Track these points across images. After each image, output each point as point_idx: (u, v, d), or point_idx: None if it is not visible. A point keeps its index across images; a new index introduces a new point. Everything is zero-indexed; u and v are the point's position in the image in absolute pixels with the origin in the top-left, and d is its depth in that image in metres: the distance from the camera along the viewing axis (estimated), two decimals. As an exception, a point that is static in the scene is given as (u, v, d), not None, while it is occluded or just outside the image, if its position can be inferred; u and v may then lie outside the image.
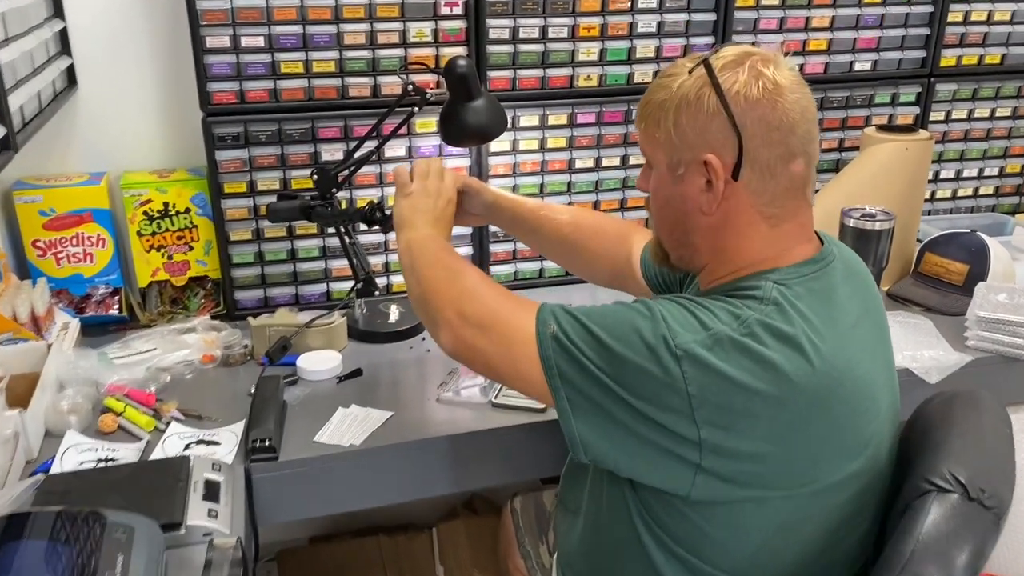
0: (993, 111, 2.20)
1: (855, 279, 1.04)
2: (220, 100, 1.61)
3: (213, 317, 1.70)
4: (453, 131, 1.49)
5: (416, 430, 1.35)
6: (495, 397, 1.45)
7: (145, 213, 1.70)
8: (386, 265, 1.83)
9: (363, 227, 1.60)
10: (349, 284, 1.71)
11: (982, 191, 2.29)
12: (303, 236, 1.74)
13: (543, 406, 1.36)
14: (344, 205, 1.61)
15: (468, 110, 1.46)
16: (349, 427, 1.37)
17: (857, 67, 1.93)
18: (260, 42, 1.60)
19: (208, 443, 1.33)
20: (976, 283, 1.85)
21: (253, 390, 1.43)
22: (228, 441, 1.34)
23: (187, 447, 1.32)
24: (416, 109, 1.49)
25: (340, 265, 1.78)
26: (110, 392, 1.45)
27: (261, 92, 1.62)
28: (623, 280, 1.39)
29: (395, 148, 1.66)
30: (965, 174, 2.26)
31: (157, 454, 1.31)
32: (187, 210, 1.71)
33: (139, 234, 1.70)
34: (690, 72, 0.98)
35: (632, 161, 1.90)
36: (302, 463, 1.28)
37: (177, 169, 1.77)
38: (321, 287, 1.78)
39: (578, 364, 0.93)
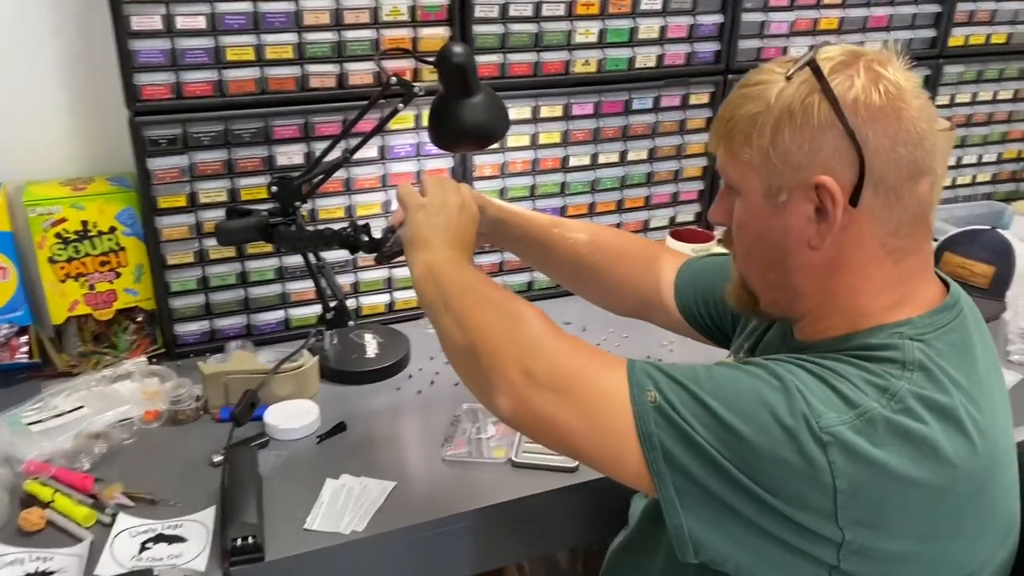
0: (996, 93, 2.14)
1: (981, 325, 0.96)
2: (151, 95, 1.43)
3: (149, 358, 1.54)
4: (447, 133, 1.36)
5: (427, 505, 1.22)
6: (515, 455, 1.33)
7: (58, 235, 1.47)
8: (355, 286, 1.69)
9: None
10: (311, 310, 1.62)
11: (980, 178, 2.24)
12: (255, 256, 1.59)
13: (574, 464, 1.28)
14: (306, 216, 1.49)
15: (465, 108, 1.33)
16: (345, 506, 1.22)
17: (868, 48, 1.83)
18: (200, 23, 1.42)
19: (171, 539, 1.14)
20: (1002, 286, 1.78)
21: (216, 459, 1.29)
22: (196, 536, 1.15)
23: (144, 547, 1.12)
24: (401, 106, 1.35)
25: (300, 288, 1.63)
26: (30, 473, 1.24)
27: (203, 84, 1.45)
28: (649, 310, 1.31)
29: (364, 149, 1.48)
30: (965, 161, 2.20)
31: (106, 563, 1.09)
32: (111, 229, 1.51)
33: (51, 260, 1.48)
34: (788, 77, 0.88)
35: (631, 156, 1.82)
36: (296, 561, 1.13)
37: (96, 179, 1.55)
38: (277, 315, 1.63)
39: (691, 445, 0.83)
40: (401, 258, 1.28)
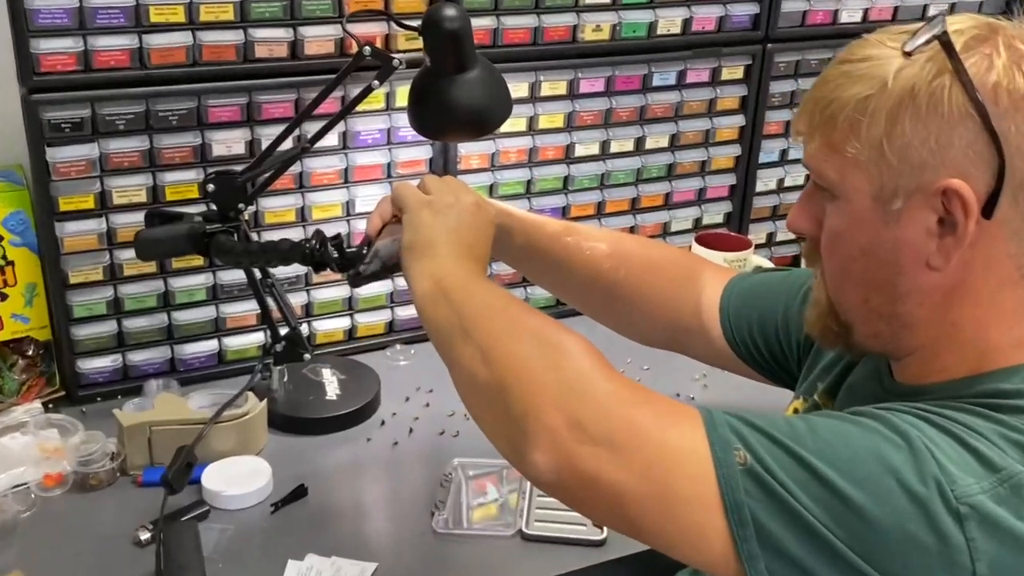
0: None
1: None
2: (52, 66, 1.40)
3: (46, 404, 1.51)
4: (433, 117, 1.36)
5: None
6: (527, 525, 1.32)
7: (-75, 246, 1.44)
8: (307, 307, 1.68)
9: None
10: (252, 339, 1.62)
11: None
12: (182, 271, 1.58)
13: (601, 535, 1.29)
14: (247, 220, 1.47)
15: (458, 86, 1.33)
16: None
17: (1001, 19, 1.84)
18: (116, -27, 1.40)
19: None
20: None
21: (144, 537, 1.27)
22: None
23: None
24: (376, 83, 1.34)
25: (239, 311, 1.62)
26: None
27: (118, 53, 1.42)
28: (686, 339, 1.31)
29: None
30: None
31: None
32: (-3, 238, 1.47)
33: (-84, 279, 1.44)
34: (907, 53, 0.87)
35: (650, 144, 1.82)
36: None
37: (-27, 173, 1.54)
38: (210, 346, 1.62)
39: (792, 519, 0.81)
40: (379, 282, 1.27)
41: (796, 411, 1.10)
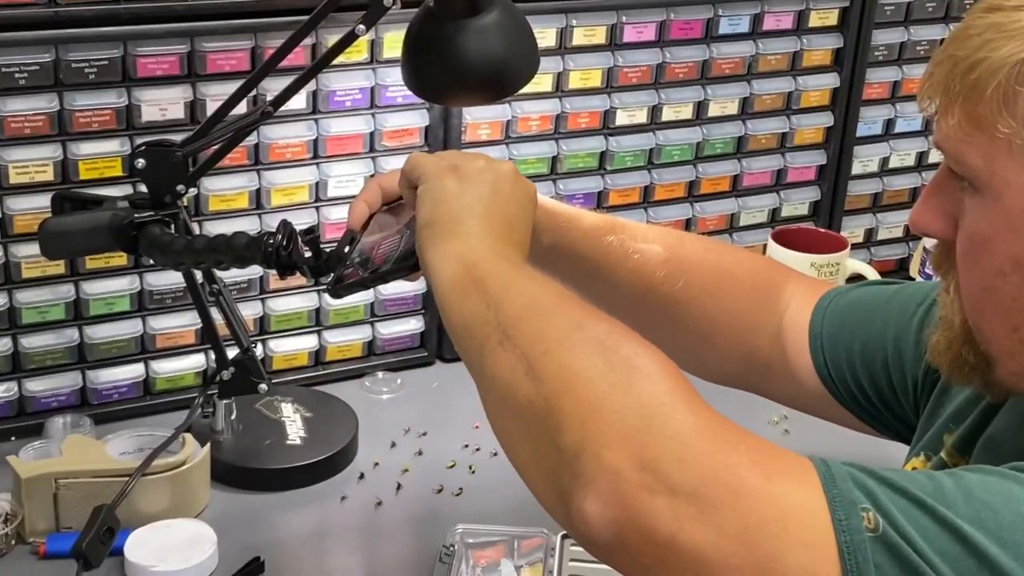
0: None
1: None
2: None
3: None
4: (436, 74, 1.38)
5: None
6: None
7: None
8: (260, 321, 1.69)
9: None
10: (189, 363, 1.64)
11: None
12: (98, 273, 1.60)
13: None
14: (187, 205, 1.48)
15: (469, 34, 1.34)
16: None
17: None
18: None
19: None
20: None
21: None
22: None
23: None
24: (361, 28, 1.35)
25: (173, 326, 1.64)
26: None
27: None
28: (766, 374, 1.33)
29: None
30: None
31: None
32: None
33: None
34: None
35: (713, 111, 1.85)
36: None
37: None
38: (133, 371, 1.64)
39: None
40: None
41: (915, 470, 1.11)
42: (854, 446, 1.33)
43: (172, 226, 1.38)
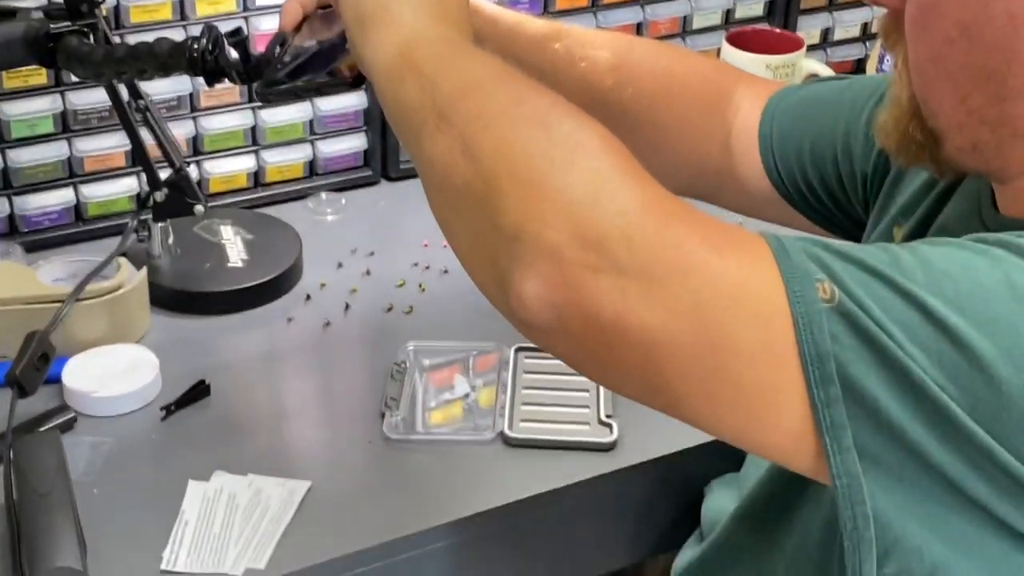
0: None
1: None
2: None
3: None
4: None
5: (366, 521, 1.24)
6: (509, 426, 1.35)
7: None
8: (194, 141, 1.68)
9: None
10: (122, 187, 1.65)
11: None
12: (18, 93, 1.58)
13: (610, 438, 1.33)
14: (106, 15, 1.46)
15: None
16: (227, 528, 1.22)
17: None
18: None
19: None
20: None
21: None
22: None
23: None
24: None
25: (101, 148, 1.62)
26: None
27: None
28: (716, 181, 1.34)
29: None
30: None
31: None
32: None
33: None
34: None
35: None
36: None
37: None
38: (62, 197, 1.64)
39: (895, 372, 0.83)
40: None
41: None
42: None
43: (92, 37, 1.35)
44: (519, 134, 0.92)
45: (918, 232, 1.08)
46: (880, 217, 1.17)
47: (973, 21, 0.90)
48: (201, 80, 1.31)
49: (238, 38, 1.27)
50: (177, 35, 1.54)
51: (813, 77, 1.69)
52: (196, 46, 1.28)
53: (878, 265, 0.85)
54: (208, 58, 1.27)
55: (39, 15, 1.36)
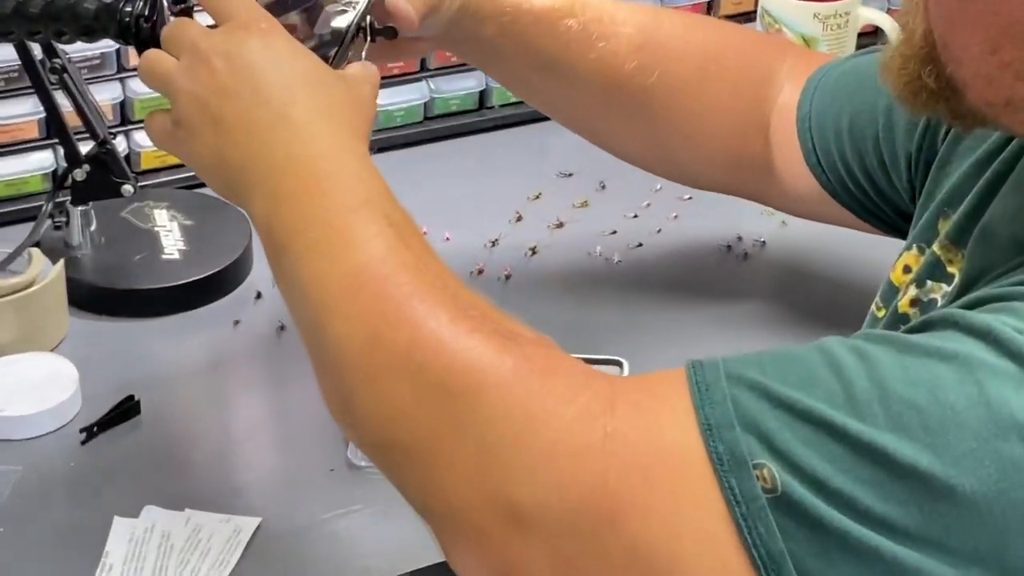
0: None
1: None
2: None
3: None
4: None
5: (327, 564, 1.22)
6: None
7: None
8: (121, 108, 1.62)
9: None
10: (34, 162, 1.60)
11: None
12: None
13: None
14: None
15: None
16: (159, 573, 1.20)
17: None
18: None
19: None
20: None
21: None
22: None
23: None
24: None
25: (9, 116, 1.57)
26: None
27: None
28: (751, 172, 1.37)
29: None
30: None
31: None
32: None
33: None
34: None
35: None
36: None
37: None
38: None
39: (860, 553, 0.83)
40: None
41: (907, 269, 1.13)
42: (850, 249, 1.38)
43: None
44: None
45: (963, 227, 1.06)
46: (926, 205, 1.16)
47: None
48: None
49: (184, 5, 1.20)
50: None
51: (872, 32, 1.65)
52: (130, 9, 1.21)
53: (828, 411, 0.83)
54: (143, 25, 1.21)
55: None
